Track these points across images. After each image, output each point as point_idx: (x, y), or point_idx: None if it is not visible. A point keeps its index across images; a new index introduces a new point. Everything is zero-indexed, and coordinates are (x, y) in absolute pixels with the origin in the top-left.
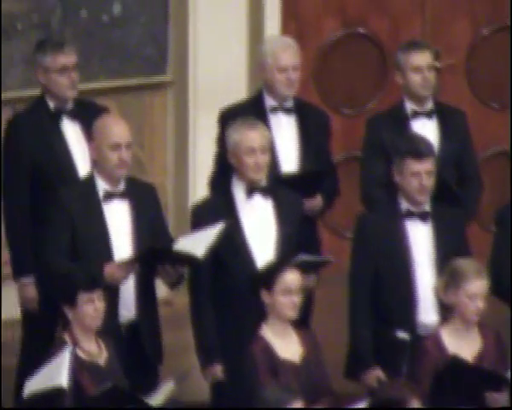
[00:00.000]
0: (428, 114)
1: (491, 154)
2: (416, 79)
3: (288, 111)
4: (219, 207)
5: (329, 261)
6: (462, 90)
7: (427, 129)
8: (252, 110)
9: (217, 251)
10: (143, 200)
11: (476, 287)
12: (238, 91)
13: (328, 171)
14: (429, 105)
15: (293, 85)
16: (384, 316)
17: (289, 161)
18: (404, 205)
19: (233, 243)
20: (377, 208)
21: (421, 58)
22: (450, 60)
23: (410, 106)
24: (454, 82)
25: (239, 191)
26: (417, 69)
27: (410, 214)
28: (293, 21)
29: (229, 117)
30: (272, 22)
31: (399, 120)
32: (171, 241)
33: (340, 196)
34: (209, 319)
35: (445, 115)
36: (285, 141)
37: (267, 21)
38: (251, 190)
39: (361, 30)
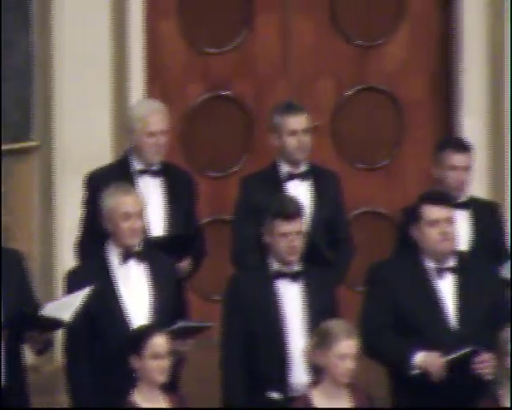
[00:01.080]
0: (302, 176)
1: (357, 214)
2: (291, 142)
3: (154, 174)
4: (93, 272)
5: (208, 326)
6: (328, 151)
7: (300, 191)
8: (118, 173)
9: (92, 316)
10: (10, 268)
11: (346, 347)
12: (103, 155)
13: (195, 233)
14: (303, 167)
15: (161, 150)
16: (258, 375)
17: (157, 224)
18: (275, 265)
19: (109, 309)
20: (248, 270)
21: (298, 121)
22: (316, 121)
23: (284, 168)
24: (320, 143)
25: (113, 256)
26: (293, 133)
27: (280, 275)
28: (157, 85)
29: (95, 180)
30: (136, 85)
31: (273, 182)
32: (37, 307)
33: (207, 259)
34: (83, 384)
35: (319, 177)
36: (152, 204)
37: (131, 85)
38: (126, 254)
39: (225, 93)
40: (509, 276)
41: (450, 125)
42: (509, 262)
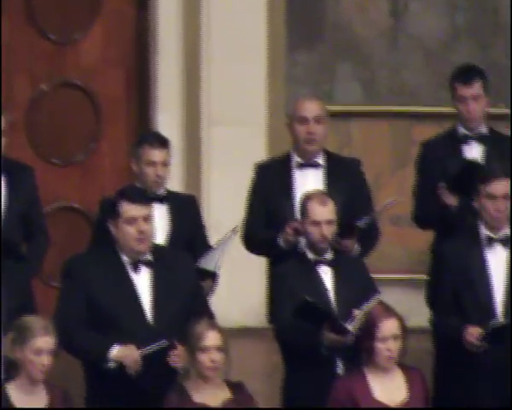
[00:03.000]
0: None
1: (53, 209)
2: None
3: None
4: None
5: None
6: (23, 146)
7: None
8: None
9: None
10: None
11: (41, 343)
12: None
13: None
14: None
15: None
16: None
17: None
18: None
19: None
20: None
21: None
22: (11, 116)
23: None
24: (15, 139)
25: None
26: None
27: None
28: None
29: None
30: None
31: None
32: None
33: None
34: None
35: (13, 172)
36: None
37: None
38: None
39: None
40: (207, 267)
41: (146, 122)
42: (208, 254)
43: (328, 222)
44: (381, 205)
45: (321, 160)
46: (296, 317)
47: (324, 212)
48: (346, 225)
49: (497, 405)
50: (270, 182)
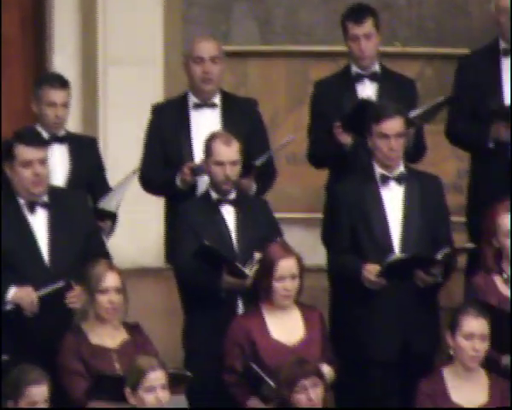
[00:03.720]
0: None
1: None
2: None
3: None
4: None
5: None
6: None
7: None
8: None
9: None
10: None
11: None
12: None
13: None
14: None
15: None
16: None
17: None
18: None
19: None
20: None
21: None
22: None
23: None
24: None
25: None
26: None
27: None
28: None
29: None
30: None
31: None
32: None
33: None
34: None
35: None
36: None
37: None
38: None
39: None
40: (107, 208)
41: (43, 62)
42: (108, 195)
43: (233, 163)
44: (278, 144)
45: (217, 100)
46: (196, 259)
47: (228, 152)
48: (242, 164)
49: (392, 342)
50: (167, 123)
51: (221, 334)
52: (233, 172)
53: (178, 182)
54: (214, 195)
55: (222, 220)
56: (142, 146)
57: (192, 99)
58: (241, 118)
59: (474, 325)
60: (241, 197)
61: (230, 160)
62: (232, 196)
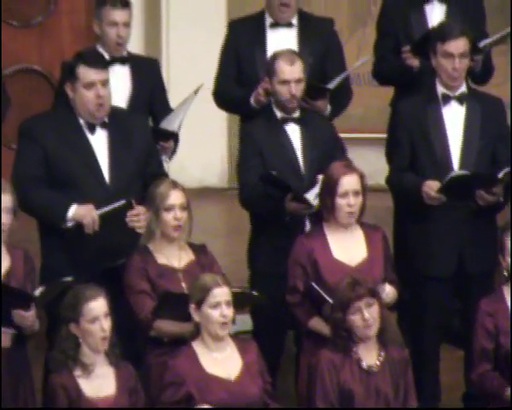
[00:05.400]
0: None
1: (12, 72)
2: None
3: None
4: None
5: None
6: None
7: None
8: None
9: None
10: None
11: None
12: None
13: None
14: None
15: None
16: None
17: None
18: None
19: None
20: None
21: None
22: None
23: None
24: None
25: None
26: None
27: None
28: None
29: None
30: None
31: None
32: None
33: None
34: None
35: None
36: None
37: None
38: None
39: None
40: (169, 128)
41: None
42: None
43: (297, 81)
44: (354, 64)
45: (295, 20)
46: (262, 183)
47: (293, 71)
48: (317, 86)
49: (448, 258)
50: (243, 40)
51: (287, 254)
52: (298, 90)
53: (252, 101)
54: (279, 113)
55: (287, 139)
56: (218, 61)
57: (268, 19)
58: (318, 38)
59: None
60: (305, 115)
61: (295, 78)
62: (296, 114)
